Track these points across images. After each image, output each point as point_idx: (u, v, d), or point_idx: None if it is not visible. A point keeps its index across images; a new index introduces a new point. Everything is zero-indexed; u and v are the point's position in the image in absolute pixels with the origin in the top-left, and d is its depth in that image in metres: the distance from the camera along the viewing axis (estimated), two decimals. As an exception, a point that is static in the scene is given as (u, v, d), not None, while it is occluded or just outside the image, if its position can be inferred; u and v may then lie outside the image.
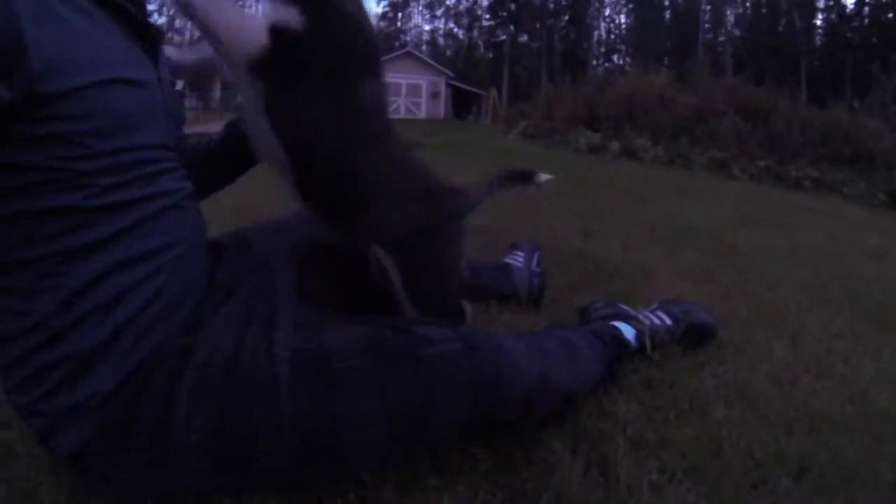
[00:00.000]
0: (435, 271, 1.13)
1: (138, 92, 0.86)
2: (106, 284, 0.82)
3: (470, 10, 54.29)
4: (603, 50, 50.93)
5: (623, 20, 50.72)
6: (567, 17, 49.13)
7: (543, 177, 1.35)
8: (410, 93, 33.41)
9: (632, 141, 10.48)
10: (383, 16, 54.13)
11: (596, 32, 49.49)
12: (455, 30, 55.53)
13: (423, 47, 52.47)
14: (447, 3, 55.34)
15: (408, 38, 53.03)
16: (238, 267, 1.08)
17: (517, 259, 2.03)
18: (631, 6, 48.81)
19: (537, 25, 46.96)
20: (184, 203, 0.95)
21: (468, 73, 43.14)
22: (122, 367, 0.84)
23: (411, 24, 55.64)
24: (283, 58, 0.91)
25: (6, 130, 0.73)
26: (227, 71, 0.97)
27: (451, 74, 34.98)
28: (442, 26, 56.21)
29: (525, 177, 1.37)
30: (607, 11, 50.83)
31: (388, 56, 34.82)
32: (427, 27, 56.66)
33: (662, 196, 5.33)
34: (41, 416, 0.85)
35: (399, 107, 32.41)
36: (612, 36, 51.24)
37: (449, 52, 53.29)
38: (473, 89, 33.18)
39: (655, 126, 11.02)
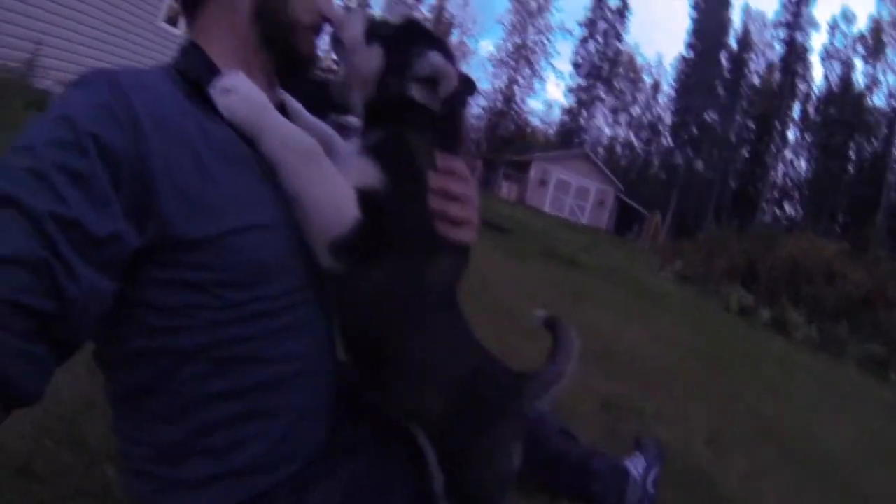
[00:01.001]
0: (475, 462, 1.02)
1: (270, 236, 0.85)
2: (222, 433, 0.84)
3: (652, 125, 54.26)
4: (776, 195, 49.07)
5: (803, 165, 48.81)
6: (746, 152, 48.11)
7: (540, 314, 1.27)
8: (578, 195, 33.75)
9: (785, 312, 10.11)
10: (568, 110, 54.63)
11: (772, 173, 47.87)
12: (634, 141, 55.51)
13: (600, 150, 52.83)
14: (631, 111, 55.56)
15: (587, 138, 53.25)
16: (359, 430, 1.04)
17: (637, 467, 1.91)
18: (814, 152, 46.86)
19: (715, 154, 46.29)
20: (309, 367, 0.93)
21: (638, 187, 43.15)
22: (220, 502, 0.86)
23: (593, 125, 55.60)
24: (367, 231, 0.86)
25: (134, 271, 0.75)
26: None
27: (621, 187, 35.21)
28: (622, 134, 56.17)
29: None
30: (788, 154, 49.17)
31: (564, 152, 35.80)
32: (608, 131, 56.71)
33: (803, 394, 5.16)
34: None
35: (564, 205, 32.94)
36: (788, 181, 49.34)
37: (623, 162, 53.24)
38: (639, 207, 33.28)
39: (815, 301, 10.54)
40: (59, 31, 7.20)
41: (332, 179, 0.86)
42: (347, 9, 1.06)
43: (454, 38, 54.99)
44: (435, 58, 0.94)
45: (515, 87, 54.20)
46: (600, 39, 52.95)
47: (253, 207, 0.83)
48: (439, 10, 53.35)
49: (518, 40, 54.06)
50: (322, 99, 1.14)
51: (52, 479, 1.46)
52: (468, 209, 0.98)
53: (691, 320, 7.66)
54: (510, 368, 1.10)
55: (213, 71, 0.90)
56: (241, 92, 0.85)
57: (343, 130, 1.12)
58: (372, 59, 0.97)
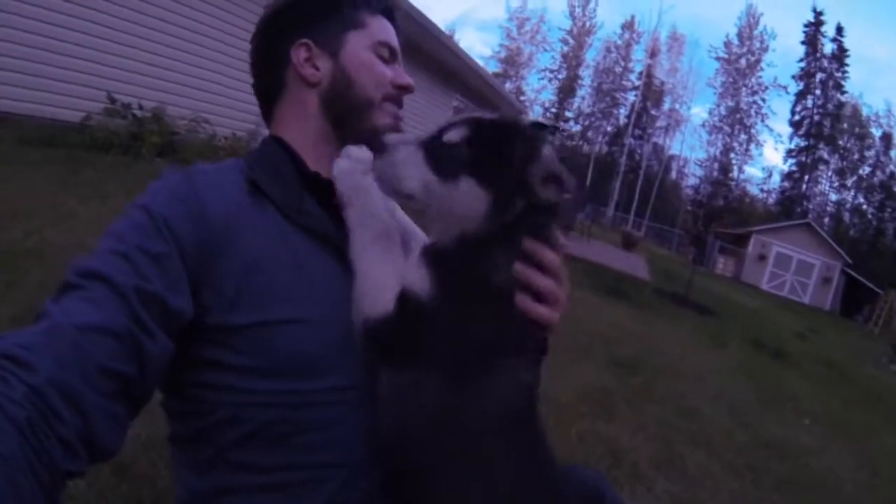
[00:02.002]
0: None
1: (314, 333, 0.86)
2: (240, 498, 0.87)
3: (885, 186, 48.02)
4: None
5: None
6: None
7: None
8: (800, 271, 31.15)
9: None
10: (789, 175, 51.10)
11: None
12: (865, 206, 50.20)
13: (826, 220, 48.39)
14: (860, 171, 49.81)
15: (810, 206, 49.12)
16: None
17: None
18: None
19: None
20: (342, 459, 0.88)
21: (869, 261, 38.78)
22: None
23: (816, 191, 51.13)
24: (401, 331, 0.80)
25: (187, 344, 0.81)
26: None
27: (849, 261, 31.83)
28: (850, 199, 50.49)
29: None
30: None
31: (785, 223, 33.45)
32: (833, 196, 51.30)
33: None
34: None
35: (784, 283, 30.61)
36: None
37: (852, 232, 47.91)
38: (870, 284, 29.90)
39: None
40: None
41: (387, 264, 0.85)
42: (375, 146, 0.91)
43: (666, 106, 54.29)
44: (547, 154, 0.84)
45: (731, 155, 52.04)
46: (818, 92, 49.31)
47: (300, 303, 0.87)
48: (648, 77, 53.06)
49: (731, 103, 52.12)
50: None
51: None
52: (555, 285, 0.87)
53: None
54: None
55: (283, 155, 1.01)
56: (355, 163, 0.92)
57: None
58: (467, 198, 0.83)
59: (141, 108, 6.73)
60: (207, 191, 0.88)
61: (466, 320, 0.80)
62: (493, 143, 0.84)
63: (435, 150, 0.85)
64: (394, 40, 1.10)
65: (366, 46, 1.05)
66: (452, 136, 0.85)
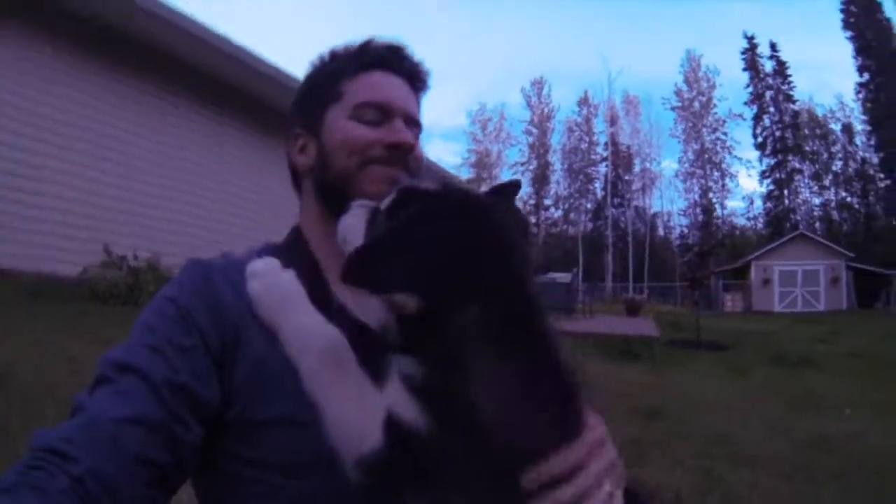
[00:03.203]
0: None
1: (309, 433, 0.77)
2: None
3: (860, 173, 48.78)
4: None
5: None
6: None
7: None
8: (807, 281, 30.88)
9: None
10: (769, 195, 51.72)
11: None
12: (849, 199, 50.69)
13: (817, 225, 48.58)
14: (833, 169, 50.55)
15: (798, 218, 49.29)
16: None
17: None
18: None
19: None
20: None
21: (870, 249, 38.47)
22: None
23: (800, 200, 51.58)
24: (394, 462, 0.69)
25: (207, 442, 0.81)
26: None
27: (851, 255, 31.69)
28: (833, 197, 51.32)
29: None
30: None
31: (780, 241, 33.64)
32: (817, 201, 51.83)
33: None
34: None
35: (796, 298, 30.33)
36: None
37: (846, 227, 49.01)
38: (879, 270, 29.67)
39: None
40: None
41: (350, 391, 0.72)
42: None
43: (637, 168, 55.67)
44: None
45: (710, 195, 52.93)
46: (772, 109, 50.88)
47: (296, 400, 0.76)
48: (614, 145, 54.62)
49: (696, 146, 53.49)
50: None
51: None
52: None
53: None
54: None
55: (300, 249, 1.01)
56: (266, 279, 0.80)
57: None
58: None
59: (136, 257, 7.11)
60: (224, 288, 0.88)
61: (468, 440, 0.67)
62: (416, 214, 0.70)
63: (374, 215, 0.77)
64: (382, 95, 1.00)
65: (342, 116, 0.98)
66: (385, 201, 0.76)
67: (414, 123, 1.04)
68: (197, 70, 8.44)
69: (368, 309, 0.81)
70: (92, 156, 7.36)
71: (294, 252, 0.99)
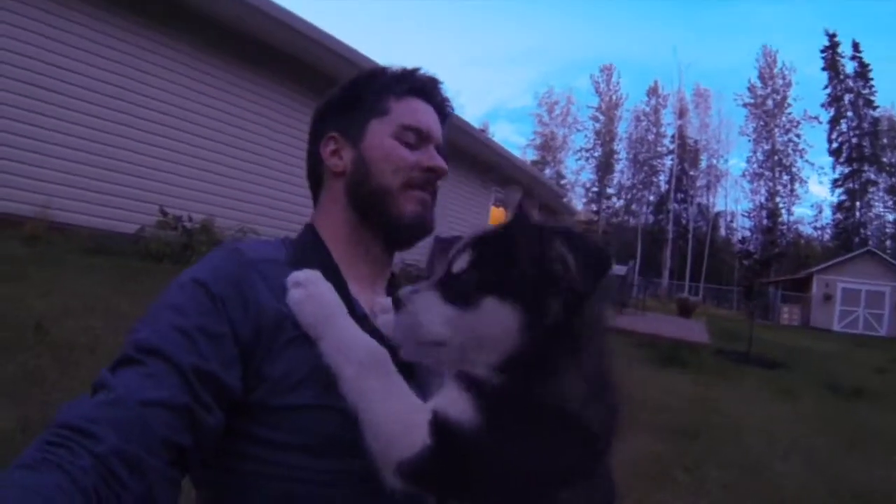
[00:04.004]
0: None
1: (333, 416, 0.83)
2: None
3: None
4: None
5: None
6: None
7: None
8: (871, 302, 29.32)
9: None
10: (839, 206, 49.54)
11: None
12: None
13: (888, 243, 46.12)
14: None
15: (868, 233, 47.15)
16: None
17: None
18: None
19: None
20: None
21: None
22: None
23: (872, 214, 49.07)
24: (445, 464, 0.70)
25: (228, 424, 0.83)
26: None
27: (922, 278, 29.83)
28: None
29: None
30: None
31: (846, 256, 32.15)
32: (890, 217, 49.02)
33: None
34: None
35: (857, 319, 28.93)
36: None
37: (921, 248, 44.94)
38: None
39: None
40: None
41: (394, 396, 0.75)
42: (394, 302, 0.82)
43: (703, 164, 54.15)
44: (561, 238, 0.72)
45: (777, 199, 51.31)
46: (850, 114, 48.40)
47: (319, 386, 0.84)
48: (681, 138, 53.34)
49: (767, 147, 51.75)
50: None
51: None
52: None
53: None
54: None
55: (317, 250, 1.04)
56: (309, 288, 0.86)
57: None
58: (495, 318, 0.73)
59: (190, 219, 7.36)
60: (259, 285, 0.90)
61: (521, 448, 0.69)
62: (498, 253, 0.76)
63: (449, 286, 0.77)
64: (423, 122, 1.07)
65: (387, 133, 1.05)
66: (460, 264, 0.77)
67: (442, 151, 1.10)
68: (263, 43, 8.59)
69: (388, 319, 0.90)
70: (157, 122, 7.62)
71: (313, 253, 1.02)
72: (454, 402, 0.71)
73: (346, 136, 1.08)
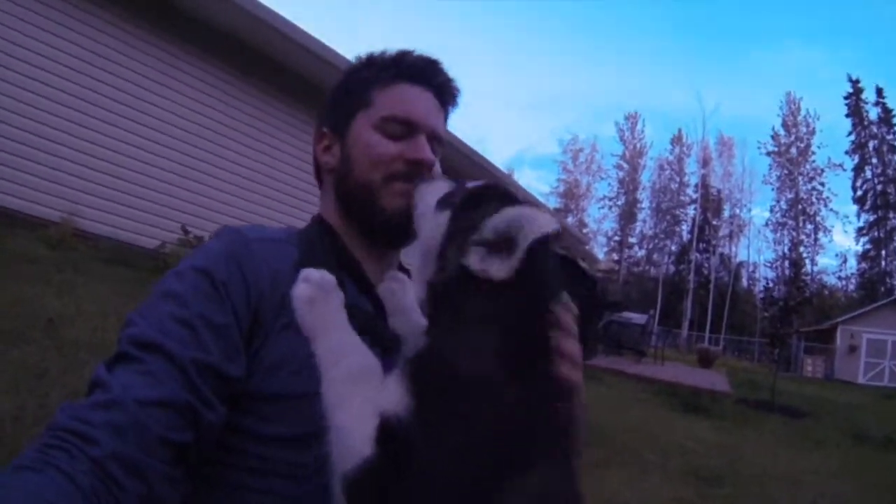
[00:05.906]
0: None
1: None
2: None
3: None
4: None
5: None
6: None
7: None
8: None
9: None
10: (864, 255, 48.89)
11: None
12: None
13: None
14: None
15: (894, 283, 46.13)
16: None
17: None
18: None
19: None
20: None
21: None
22: None
23: None
24: (377, 470, 0.62)
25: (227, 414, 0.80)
26: None
27: (952, 330, 29.02)
28: None
29: None
30: None
31: (872, 306, 31.62)
32: None
33: None
34: None
35: (883, 371, 28.20)
36: None
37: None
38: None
39: None
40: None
41: (362, 406, 0.67)
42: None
43: (726, 214, 53.82)
44: (509, 211, 0.69)
45: (801, 249, 50.66)
46: (874, 161, 47.82)
47: (302, 378, 0.81)
48: (704, 187, 53.05)
49: (790, 195, 51.36)
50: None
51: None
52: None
53: None
54: None
55: (330, 239, 1.02)
56: (314, 288, 0.77)
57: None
58: (437, 226, 0.77)
59: None
60: (264, 262, 0.89)
61: (454, 431, 0.62)
62: (485, 194, 0.77)
63: (455, 189, 0.83)
64: (409, 111, 1.01)
65: (368, 125, 1.01)
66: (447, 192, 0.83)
67: (437, 139, 1.05)
68: (293, 71, 8.66)
69: (403, 296, 0.91)
70: (185, 141, 7.74)
71: (323, 241, 1.01)
72: (389, 392, 0.65)
73: (334, 132, 1.06)
